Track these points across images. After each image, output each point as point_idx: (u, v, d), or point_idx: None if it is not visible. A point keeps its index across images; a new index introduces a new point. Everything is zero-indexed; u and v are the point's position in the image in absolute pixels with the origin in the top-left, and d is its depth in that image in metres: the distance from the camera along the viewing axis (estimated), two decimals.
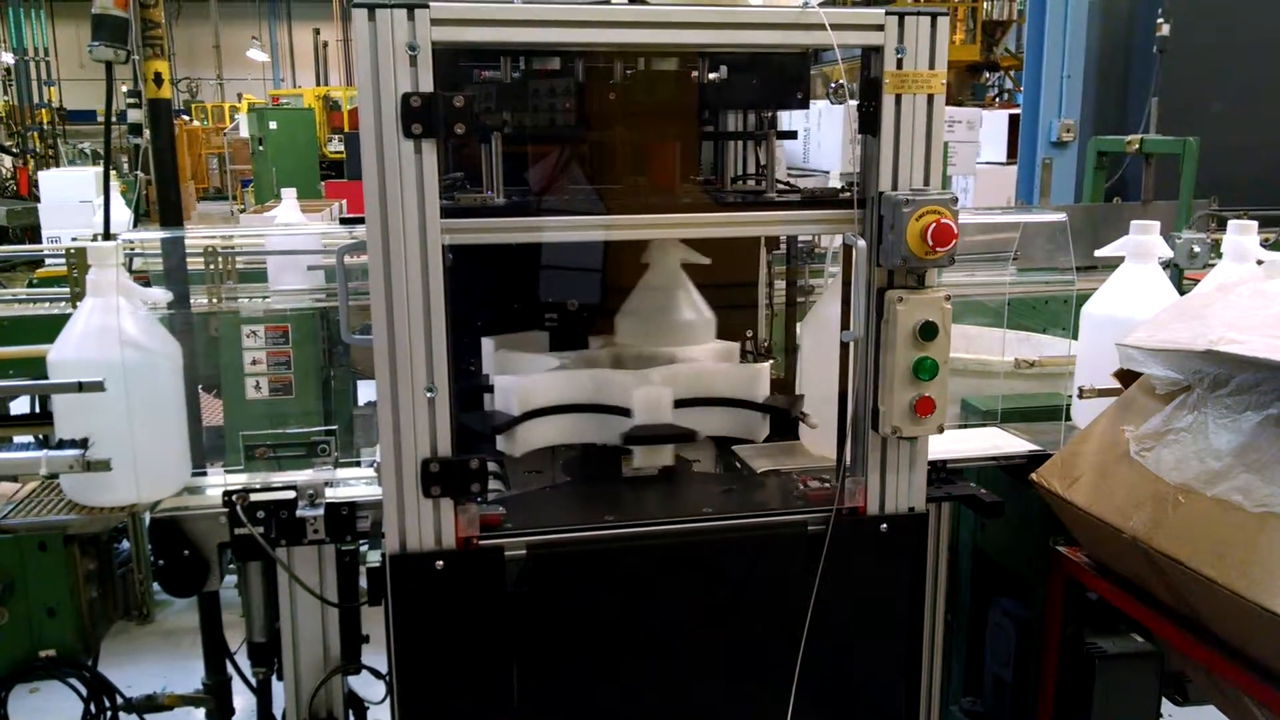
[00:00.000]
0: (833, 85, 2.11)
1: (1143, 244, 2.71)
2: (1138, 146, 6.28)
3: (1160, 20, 6.62)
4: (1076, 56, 7.67)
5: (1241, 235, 2.69)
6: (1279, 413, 1.94)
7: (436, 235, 1.94)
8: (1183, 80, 6.83)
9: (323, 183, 14.06)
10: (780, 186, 2.48)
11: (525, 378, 2.41)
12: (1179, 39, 6.63)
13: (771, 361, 2.86)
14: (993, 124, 9.26)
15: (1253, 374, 2.00)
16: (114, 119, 3.88)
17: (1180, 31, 6.65)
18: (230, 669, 2.69)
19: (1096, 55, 7.72)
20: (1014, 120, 8.95)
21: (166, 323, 2.56)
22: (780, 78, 2.40)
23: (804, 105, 2.43)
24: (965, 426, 2.87)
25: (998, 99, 14.88)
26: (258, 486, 2.35)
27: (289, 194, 5.69)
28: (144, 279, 3.29)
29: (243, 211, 12.08)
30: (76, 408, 2.32)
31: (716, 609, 2.23)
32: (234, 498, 2.27)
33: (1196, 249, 4.34)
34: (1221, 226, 4.55)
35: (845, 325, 2.19)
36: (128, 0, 3.27)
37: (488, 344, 2.66)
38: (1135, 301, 2.62)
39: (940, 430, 2.18)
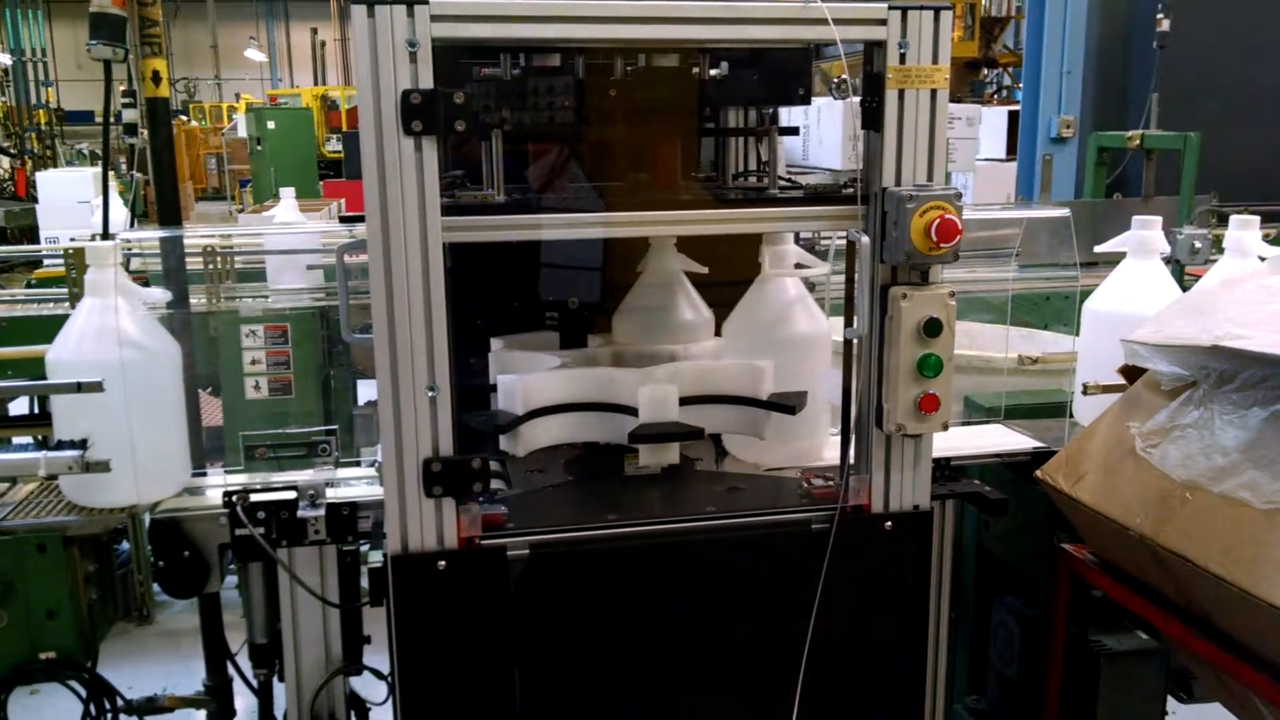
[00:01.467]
0: (835, 80, 2.10)
1: (1145, 240, 2.70)
2: (1138, 142, 6.27)
3: (1160, 15, 6.61)
4: (1076, 52, 7.65)
5: (1243, 231, 2.68)
6: None
7: (437, 233, 1.93)
8: (1183, 75, 6.81)
9: (321, 182, 14.05)
10: (782, 183, 2.46)
11: (529, 376, 2.40)
12: (1179, 34, 6.62)
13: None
14: (992, 120, 9.23)
15: (1259, 369, 1.99)
16: (112, 118, 3.87)
17: (1180, 26, 6.63)
18: (231, 670, 2.68)
19: (1096, 51, 7.70)
20: (1013, 116, 8.93)
21: (165, 323, 2.54)
22: (782, 73, 2.39)
23: (806, 101, 2.41)
24: (968, 423, 2.86)
25: (996, 95, 14.86)
26: (258, 487, 2.34)
27: (287, 193, 5.68)
28: (143, 279, 3.28)
29: (241, 211, 12.07)
30: (75, 408, 2.30)
31: (721, 608, 2.21)
32: (234, 498, 2.26)
33: (1198, 244, 4.31)
34: (1222, 222, 4.53)
35: (849, 322, 2.18)
36: None
37: (496, 344, 2.65)
38: (1138, 297, 2.61)
39: (945, 427, 2.16)
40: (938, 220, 1.99)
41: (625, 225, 2.18)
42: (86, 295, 2.37)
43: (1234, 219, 2.71)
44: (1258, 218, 2.72)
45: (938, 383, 2.11)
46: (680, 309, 2.61)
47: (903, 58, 2.04)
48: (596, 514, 2.20)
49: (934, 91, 2.06)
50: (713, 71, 2.44)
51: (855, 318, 2.16)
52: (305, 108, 18.73)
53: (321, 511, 2.28)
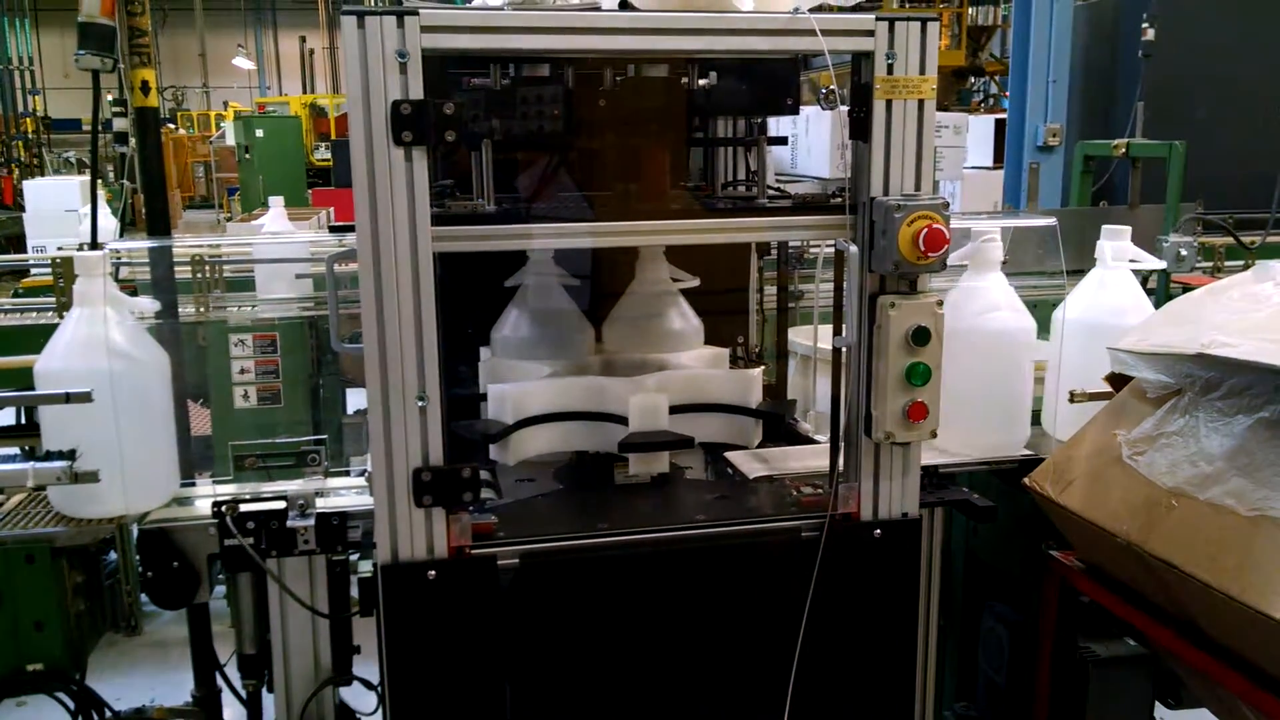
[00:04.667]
0: (823, 91, 2.11)
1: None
2: (1124, 150, 6.29)
3: (1146, 25, 6.65)
4: (1062, 61, 7.68)
5: (1112, 241, 2.69)
6: (1270, 416, 1.94)
7: (427, 243, 1.93)
8: (1169, 85, 6.84)
9: (310, 190, 14.03)
10: (771, 192, 2.48)
11: (520, 385, 2.40)
12: (1165, 43, 6.65)
13: (763, 367, 2.86)
14: (979, 129, 9.27)
15: (1244, 377, 2.00)
16: (100, 127, 3.87)
17: (1166, 36, 6.67)
18: (220, 681, 2.66)
19: (1082, 60, 7.74)
20: (1000, 125, 8.97)
21: (154, 332, 2.54)
22: (771, 84, 2.40)
23: (794, 111, 2.43)
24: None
25: (983, 104, 14.93)
26: (247, 497, 2.34)
27: (276, 202, 5.67)
28: (131, 288, 3.28)
29: (229, 220, 12.03)
30: (64, 419, 2.29)
31: (710, 616, 2.22)
32: (223, 508, 2.25)
33: (1183, 252, 4.35)
34: (1208, 230, 4.56)
35: (838, 331, 2.19)
36: (114, 8, 3.26)
37: (485, 353, 2.65)
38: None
39: (933, 435, 2.17)
40: (925, 230, 2.00)
41: (614, 235, 2.19)
42: (75, 305, 2.36)
43: (1105, 229, 2.71)
44: (1129, 228, 2.72)
45: (926, 391, 2.12)
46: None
47: (890, 68, 2.05)
48: (586, 523, 2.21)
49: (921, 102, 2.08)
50: (701, 81, 2.45)
51: (844, 326, 2.17)
52: (294, 116, 18.71)
53: (311, 521, 2.27)
